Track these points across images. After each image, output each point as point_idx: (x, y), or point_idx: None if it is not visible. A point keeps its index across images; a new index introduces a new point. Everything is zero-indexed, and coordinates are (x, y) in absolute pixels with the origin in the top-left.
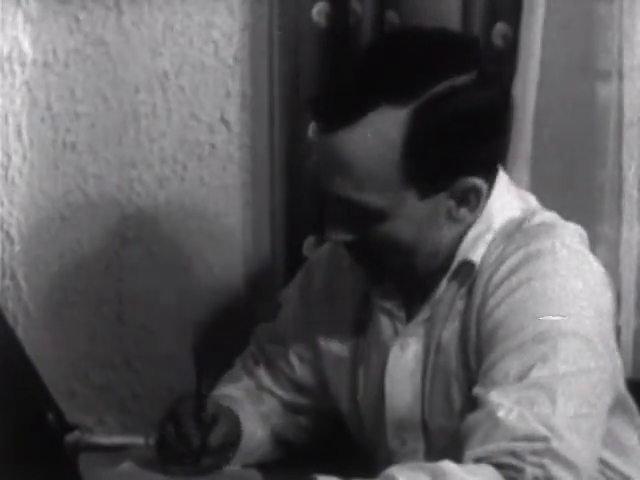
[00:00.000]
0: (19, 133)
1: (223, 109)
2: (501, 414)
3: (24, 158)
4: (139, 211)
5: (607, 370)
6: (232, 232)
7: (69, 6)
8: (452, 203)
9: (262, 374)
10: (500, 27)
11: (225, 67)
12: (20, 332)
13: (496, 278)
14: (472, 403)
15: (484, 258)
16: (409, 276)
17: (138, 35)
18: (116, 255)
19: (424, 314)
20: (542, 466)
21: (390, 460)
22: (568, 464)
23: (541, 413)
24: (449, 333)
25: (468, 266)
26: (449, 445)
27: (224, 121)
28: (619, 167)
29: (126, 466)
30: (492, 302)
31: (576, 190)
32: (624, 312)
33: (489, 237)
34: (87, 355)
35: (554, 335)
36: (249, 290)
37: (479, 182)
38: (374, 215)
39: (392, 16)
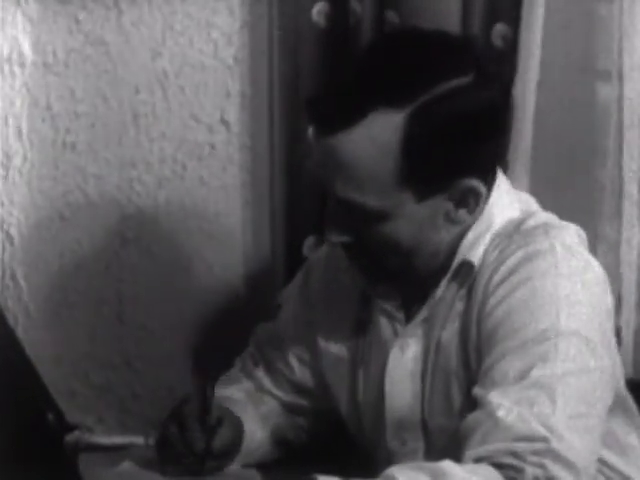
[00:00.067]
0: (19, 133)
1: (223, 109)
2: (501, 414)
3: (24, 158)
4: (139, 211)
5: (607, 370)
6: (232, 232)
7: (69, 6)
8: (450, 205)
9: (261, 376)
10: (500, 27)
11: (225, 67)
12: (20, 332)
13: (496, 278)
14: (472, 403)
15: (483, 259)
16: (408, 277)
17: (138, 35)
18: (116, 255)
19: (423, 315)
20: (542, 466)
21: (390, 460)
22: (568, 464)
23: (541, 413)
24: (449, 333)
25: (467, 266)
26: (449, 445)
27: (224, 121)
28: (619, 167)
29: (126, 466)
30: (492, 302)
31: (576, 190)
32: (624, 312)
33: (488, 238)
34: (87, 355)
35: (554, 335)
36: (249, 290)
37: (477, 184)
38: (374, 216)
39: (392, 16)
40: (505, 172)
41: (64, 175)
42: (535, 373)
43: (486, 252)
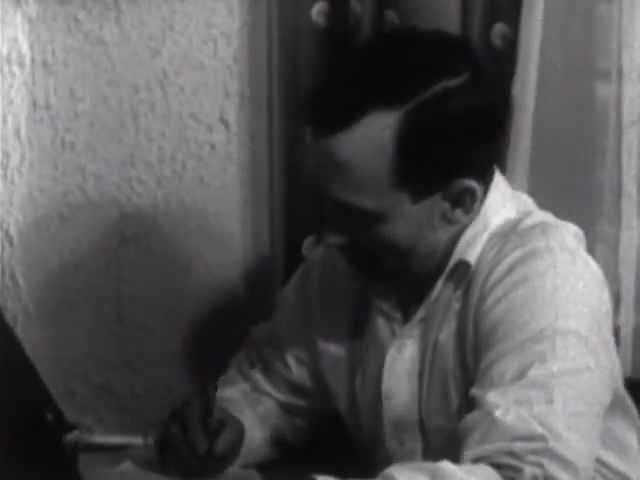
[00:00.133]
0: (18, 133)
1: (222, 109)
2: (498, 414)
3: (23, 157)
4: (138, 210)
5: (605, 369)
6: (231, 232)
7: (68, 6)
8: (447, 205)
9: (258, 377)
10: (499, 27)
11: (224, 67)
12: (19, 331)
13: (493, 278)
14: (470, 403)
15: (480, 258)
16: (405, 277)
17: (137, 35)
18: (115, 255)
19: (420, 315)
20: (541, 465)
21: (389, 460)
22: (566, 463)
23: (539, 413)
24: (446, 334)
25: (464, 266)
26: (447, 445)
27: (223, 121)
28: (619, 167)
29: (126, 466)
30: (489, 302)
31: (575, 190)
32: (623, 312)
33: (485, 238)
34: (86, 354)
35: (552, 334)
36: (248, 290)
37: (473, 184)
38: (371, 217)
39: (391, 16)
40: (504, 171)
41: (63, 174)
42: (533, 373)
43: (483, 252)
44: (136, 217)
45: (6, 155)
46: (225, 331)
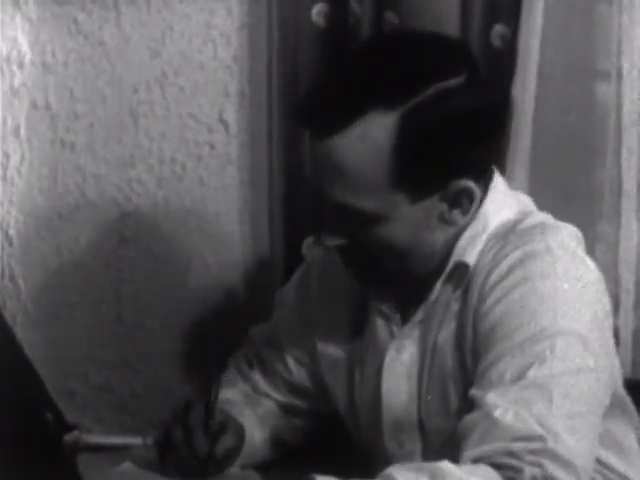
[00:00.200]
0: (18, 133)
1: (222, 109)
2: (498, 414)
3: (23, 158)
4: (138, 211)
5: (604, 370)
6: (231, 232)
7: (68, 7)
8: (444, 206)
9: (258, 378)
10: (499, 28)
11: (224, 67)
12: (19, 332)
13: (492, 279)
14: (469, 404)
15: (479, 259)
16: (404, 279)
17: (137, 35)
18: (115, 255)
19: (419, 316)
20: (540, 465)
21: (388, 461)
22: (566, 463)
23: (538, 413)
24: (445, 335)
25: (462, 267)
26: (446, 446)
27: (223, 121)
28: (618, 167)
29: (126, 466)
30: (489, 302)
31: (576, 190)
32: (622, 312)
33: (484, 239)
34: (86, 355)
35: (551, 335)
36: (248, 290)
37: (471, 184)
38: (369, 219)
39: (391, 17)
40: (504, 172)
41: (63, 175)
42: (532, 373)
43: (482, 253)
44: (136, 217)
45: (6, 155)
46: (225, 331)
